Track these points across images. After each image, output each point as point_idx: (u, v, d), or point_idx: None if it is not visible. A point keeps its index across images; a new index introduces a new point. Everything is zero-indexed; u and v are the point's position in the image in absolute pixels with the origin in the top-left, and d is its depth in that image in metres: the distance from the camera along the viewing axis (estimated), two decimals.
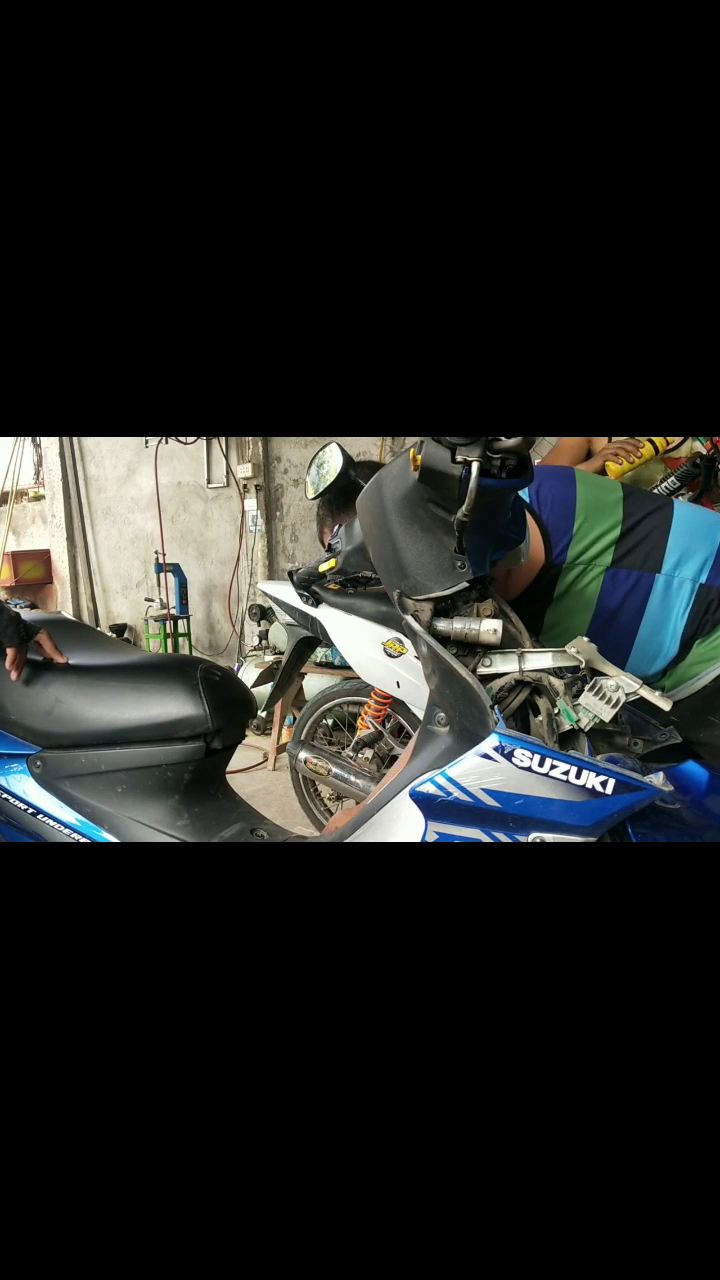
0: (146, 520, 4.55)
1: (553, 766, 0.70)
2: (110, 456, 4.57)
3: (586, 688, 0.76)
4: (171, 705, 1.05)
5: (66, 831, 1.04)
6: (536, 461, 1.64)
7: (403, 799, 0.79)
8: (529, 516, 1.08)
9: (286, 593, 1.76)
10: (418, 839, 0.77)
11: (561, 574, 1.09)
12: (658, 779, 0.72)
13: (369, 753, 2.02)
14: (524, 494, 1.10)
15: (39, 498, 4.86)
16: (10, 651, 1.05)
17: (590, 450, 2.04)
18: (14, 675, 1.06)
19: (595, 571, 1.09)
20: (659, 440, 1.92)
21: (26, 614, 1.14)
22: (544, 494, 1.11)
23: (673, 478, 1.95)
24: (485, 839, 0.75)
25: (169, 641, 4.12)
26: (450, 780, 0.74)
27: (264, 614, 3.35)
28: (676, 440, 1.93)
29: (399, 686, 1.63)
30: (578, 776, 0.70)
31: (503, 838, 0.74)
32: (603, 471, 1.95)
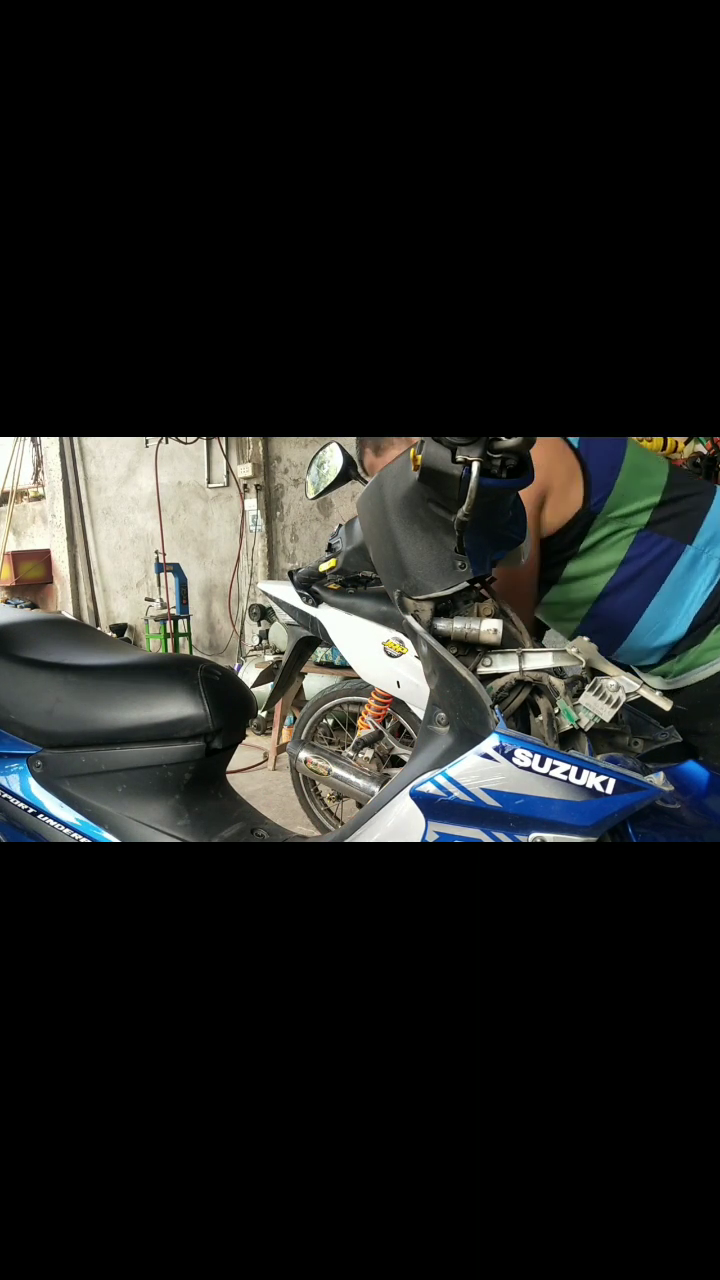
0: (146, 520, 4.56)
1: (553, 766, 0.70)
2: (110, 456, 4.57)
3: (587, 687, 0.76)
4: (172, 705, 1.05)
5: (67, 831, 1.04)
6: None
7: (403, 799, 0.79)
8: (574, 458, 1.09)
9: (286, 592, 1.76)
10: (418, 839, 0.77)
11: (594, 526, 1.10)
12: (658, 779, 0.72)
13: (369, 753, 2.02)
14: (573, 441, 1.11)
15: (39, 498, 4.86)
16: None
17: None
18: None
19: (628, 531, 1.10)
20: (670, 440, 1.93)
21: (26, 614, 1.14)
22: (594, 444, 1.12)
23: None
24: (485, 839, 0.75)
25: (169, 641, 4.13)
26: (450, 780, 0.74)
27: (264, 614, 3.36)
28: (685, 448, 1.94)
29: (399, 686, 1.63)
30: (578, 776, 0.70)
31: (503, 838, 0.74)
32: None
